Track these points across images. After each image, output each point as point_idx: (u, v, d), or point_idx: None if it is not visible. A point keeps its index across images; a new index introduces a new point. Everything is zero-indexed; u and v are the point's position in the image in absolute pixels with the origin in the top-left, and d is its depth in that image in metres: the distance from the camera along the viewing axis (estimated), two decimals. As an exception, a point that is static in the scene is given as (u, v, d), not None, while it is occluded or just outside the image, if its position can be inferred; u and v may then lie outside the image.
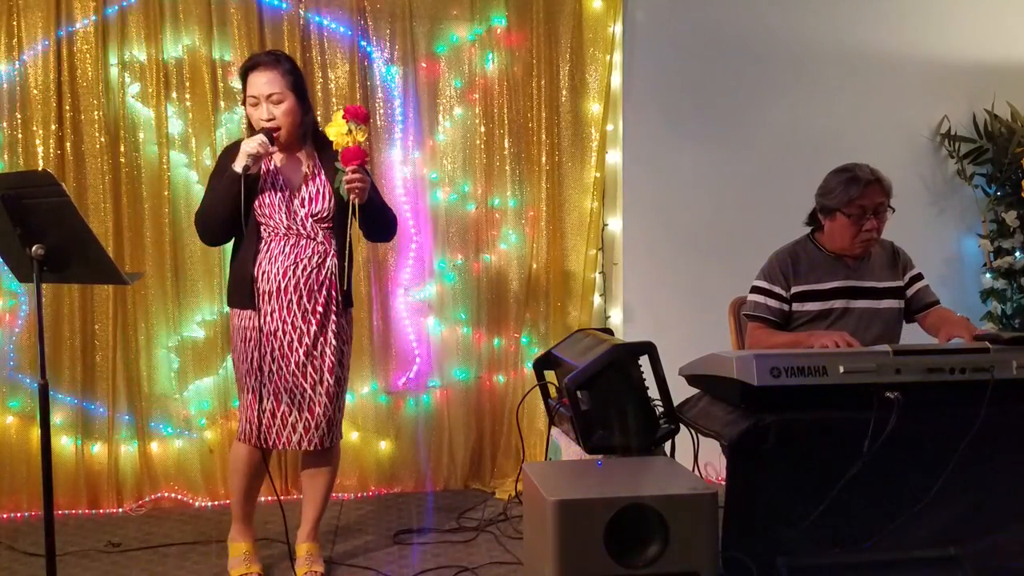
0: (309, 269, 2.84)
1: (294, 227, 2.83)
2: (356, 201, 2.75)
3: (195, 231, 3.68)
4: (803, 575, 2.46)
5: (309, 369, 2.85)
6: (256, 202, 2.83)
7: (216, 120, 3.72)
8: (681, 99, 4.12)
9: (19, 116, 3.61)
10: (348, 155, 2.71)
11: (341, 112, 2.72)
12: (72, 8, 3.62)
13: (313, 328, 2.84)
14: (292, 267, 2.82)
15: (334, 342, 2.87)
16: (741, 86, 4.15)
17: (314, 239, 2.85)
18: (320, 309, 2.85)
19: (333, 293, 2.87)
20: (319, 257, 2.85)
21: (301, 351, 2.83)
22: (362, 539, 3.40)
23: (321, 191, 2.85)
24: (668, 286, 4.12)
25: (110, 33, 3.66)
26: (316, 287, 2.84)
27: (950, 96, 4.35)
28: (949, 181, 4.42)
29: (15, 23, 3.58)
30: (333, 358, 2.88)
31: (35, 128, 3.62)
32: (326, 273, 2.86)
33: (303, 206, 2.84)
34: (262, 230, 2.86)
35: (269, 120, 2.79)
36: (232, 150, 2.87)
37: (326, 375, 2.87)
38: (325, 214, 2.85)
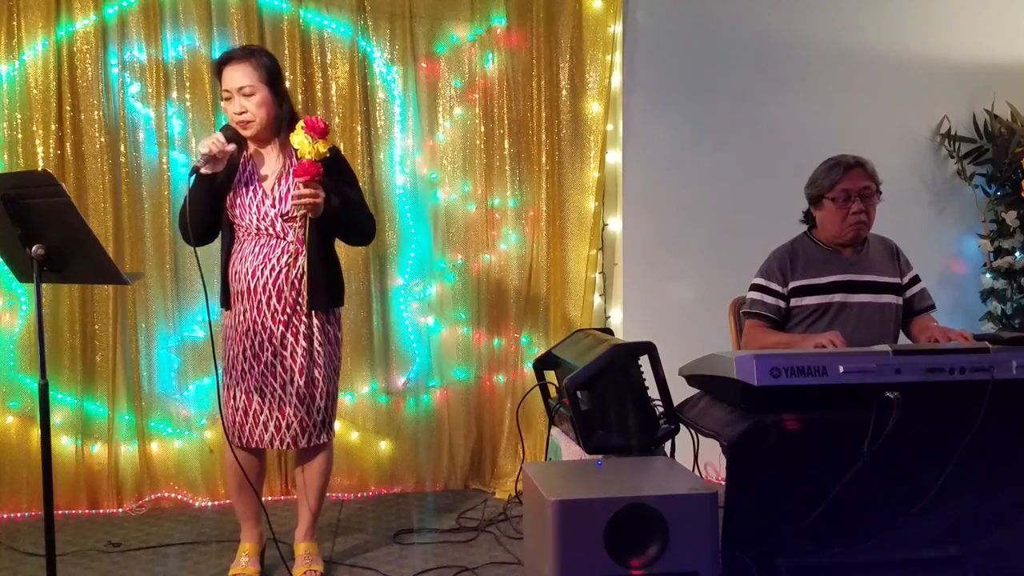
0: (278, 269, 2.81)
1: (263, 226, 2.81)
2: (308, 215, 2.74)
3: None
4: (803, 575, 2.46)
5: (278, 369, 2.83)
6: (228, 201, 2.83)
7: (216, 120, 3.72)
8: (681, 99, 4.12)
9: (19, 116, 3.61)
10: (299, 170, 2.69)
11: (302, 122, 2.70)
12: (72, 8, 3.62)
13: (281, 330, 2.82)
14: (261, 267, 2.80)
15: (304, 343, 2.84)
16: (741, 86, 4.15)
17: (284, 238, 2.81)
18: (288, 309, 2.83)
19: (304, 293, 2.84)
20: (289, 256, 2.82)
21: (269, 351, 2.82)
22: (362, 539, 3.40)
23: (292, 189, 2.79)
24: (668, 286, 4.13)
25: (110, 33, 3.66)
26: (286, 287, 2.82)
27: (950, 96, 4.36)
28: (949, 181, 4.42)
29: (15, 23, 3.59)
30: (304, 359, 2.84)
31: (35, 128, 3.62)
32: (297, 273, 2.83)
33: (273, 206, 2.81)
34: (235, 229, 2.86)
35: (241, 113, 2.77)
36: None
37: (296, 376, 2.84)
38: (295, 213, 2.80)
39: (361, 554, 3.24)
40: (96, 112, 3.65)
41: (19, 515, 3.64)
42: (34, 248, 2.35)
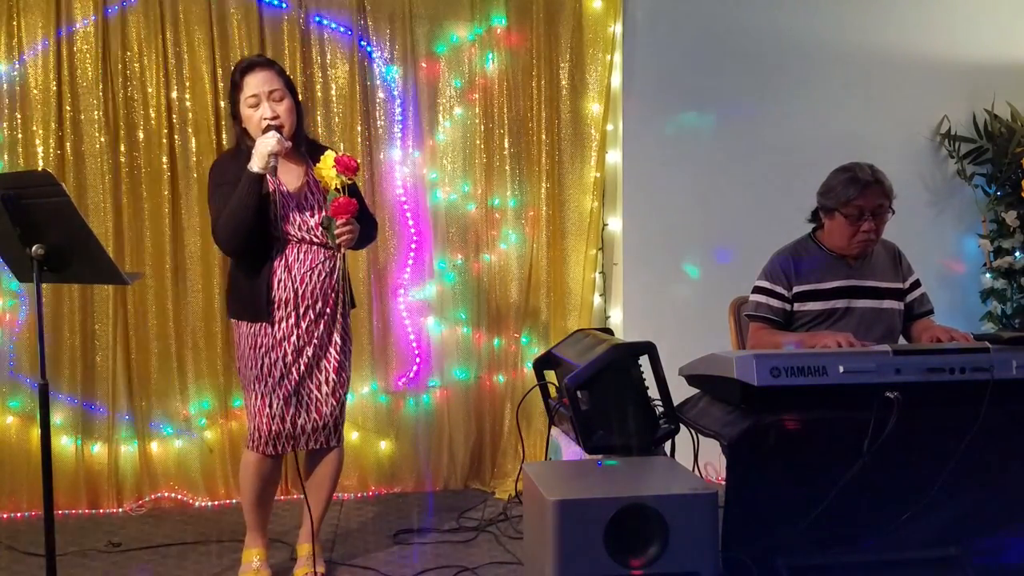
0: (323, 274, 2.84)
1: (307, 236, 2.82)
2: (343, 248, 2.79)
3: (195, 231, 3.66)
4: (803, 575, 2.46)
5: (316, 371, 2.86)
6: (276, 215, 2.81)
7: (216, 120, 3.72)
8: (681, 99, 4.12)
9: (19, 116, 3.61)
10: (339, 209, 2.72)
11: (332, 155, 2.71)
12: (72, 8, 3.62)
13: (321, 331, 2.85)
14: (308, 273, 2.82)
15: (339, 342, 2.90)
16: (741, 86, 4.15)
17: (325, 245, 2.84)
18: (328, 311, 2.86)
19: (341, 296, 2.89)
20: (330, 262, 2.86)
21: (309, 352, 2.83)
22: (362, 539, 3.40)
23: (323, 201, 2.82)
24: (668, 286, 4.12)
25: (110, 33, 3.66)
26: (329, 291, 2.86)
27: (950, 96, 4.35)
28: (949, 181, 4.42)
29: (15, 23, 3.59)
30: (339, 358, 2.89)
31: (35, 128, 3.62)
32: (336, 277, 2.87)
33: (313, 215, 2.83)
34: (271, 241, 2.82)
35: (273, 118, 2.75)
36: (225, 164, 2.84)
37: (331, 375, 2.88)
38: (340, 248, 2.82)
39: (361, 554, 3.24)
40: (96, 112, 3.65)
41: (19, 515, 3.64)
42: (34, 248, 2.35)
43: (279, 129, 2.75)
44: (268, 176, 2.73)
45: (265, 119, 2.75)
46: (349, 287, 2.96)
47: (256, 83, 2.77)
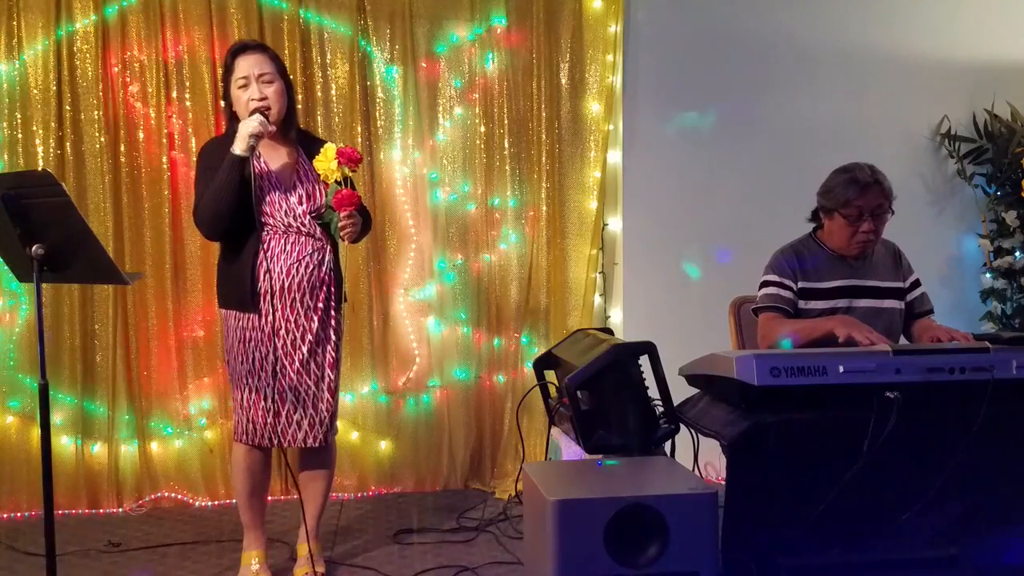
0: (311, 266, 2.82)
1: (294, 224, 2.81)
2: (346, 241, 2.79)
3: (195, 231, 3.67)
4: (803, 575, 2.46)
5: (312, 366, 2.84)
6: (254, 199, 2.79)
7: (216, 120, 3.72)
8: (681, 99, 4.12)
9: (19, 116, 3.62)
10: (342, 201, 2.71)
11: (333, 148, 2.71)
12: (72, 8, 3.62)
13: (315, 325, 2.84)
14: (296, 265, 2.80)
15: (334, 338, 2.89)
16: (741, 86, 4.15)
17: (313, 236, 2.83)
18: (321, 305, 2.85)
19: (332, 289, 2.87)
20: (319, 254, 2.84)
21: (304, 348, 2.82)
22: (362, 539, 3.40)
23: (318, 188, 2.83)
24: (668, 286, 4.13)
25: (110, 33, 3.66)
26: (318, 284, 2.84)
27: (950, 96, 4.36)
28: (949, 181, 4.42)
29: (15, 23, 3.59)
30: (333, 354, 2.89)
31: (35, 128, 3.63)
32: (326, 270, 2.86)
33: (300, 203, 2.81)
34: (260, 229, 2.81)
35: (261, 100, 2.75)
36: (213, 149, 2.82)
37: (327, 371, 2.87)
38: (323, 211, 2.83)
39: (361, 554, 3.24)
40: (96, 112, 3.65)
41: (19, 515, 3.64)
42: (34, 248, 2.35)
43: (267, 111, 2.75)
44: (251, 159, 2.71)
45: (253, 100, 2.75)
46: (341, 281, 2.94)
47: (246, 65, 2.77)
